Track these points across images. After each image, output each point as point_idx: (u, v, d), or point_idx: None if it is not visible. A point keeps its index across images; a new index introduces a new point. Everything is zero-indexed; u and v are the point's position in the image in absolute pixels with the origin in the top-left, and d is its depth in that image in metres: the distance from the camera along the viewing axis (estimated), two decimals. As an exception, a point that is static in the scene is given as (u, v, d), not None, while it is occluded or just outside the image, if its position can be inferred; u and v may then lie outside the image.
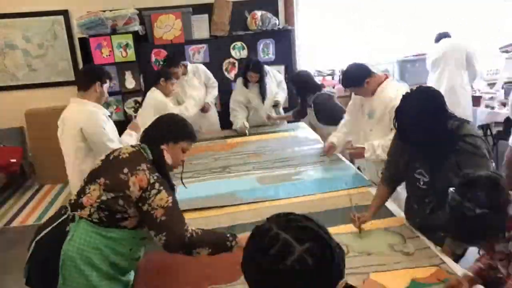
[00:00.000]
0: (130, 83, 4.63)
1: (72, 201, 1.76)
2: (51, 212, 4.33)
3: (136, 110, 4.64)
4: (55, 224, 1.71)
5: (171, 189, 1.74)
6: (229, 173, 2.96)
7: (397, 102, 1.86)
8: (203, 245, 1.68)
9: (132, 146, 1.82)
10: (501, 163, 3.47)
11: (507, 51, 5.35)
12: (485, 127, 4.77)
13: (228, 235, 1.74)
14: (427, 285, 1.65)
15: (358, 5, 5.44)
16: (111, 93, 4.56)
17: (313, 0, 5.36)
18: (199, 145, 3.63)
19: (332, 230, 1.99)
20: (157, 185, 1.65)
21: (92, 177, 1.75)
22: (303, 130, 3.94)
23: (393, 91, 2.52)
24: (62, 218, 1.71)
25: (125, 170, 1.65)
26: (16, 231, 3.99)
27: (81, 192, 1.74)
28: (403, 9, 5.48)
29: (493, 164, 1.84)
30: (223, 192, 2.63)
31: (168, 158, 1.78)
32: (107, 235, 1.68)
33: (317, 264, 0.90)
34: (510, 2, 5.45)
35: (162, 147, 1.78)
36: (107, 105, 4.65)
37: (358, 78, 2.64)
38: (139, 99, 4.66)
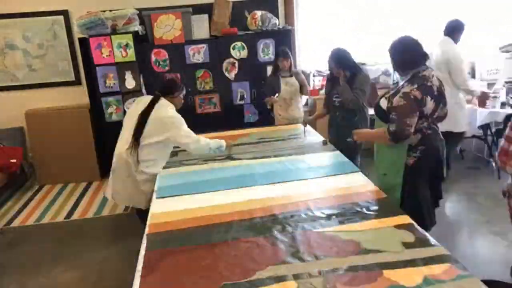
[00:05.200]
0: (130, 83, 4.63)
1: None
2: (51, 212, 4.33)
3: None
4: None
5: None
6: (232, 160, 3.18)
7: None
8: None
9: None
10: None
11: (507, 51, 5.35)
12: (485, 127, 4.77)
13: None
14: (440, 282, 1.65)
15: (358, 4, 5.44)
16: (110, 93, 4.64)
17: (313, 0, 5.36)
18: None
19: (344, 227, 2.04)
20: None
21: None
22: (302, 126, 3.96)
23: None
24: None
25: None
26: (16, 231, 3.98)
27: None
28: (403, 9, 5.48)
29: None
30: (228, 176, 2.84)
31: None
32: None
33: None
34: (510, 2, 5.45)
35: None
36: (107, 105, 4.67)
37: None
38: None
